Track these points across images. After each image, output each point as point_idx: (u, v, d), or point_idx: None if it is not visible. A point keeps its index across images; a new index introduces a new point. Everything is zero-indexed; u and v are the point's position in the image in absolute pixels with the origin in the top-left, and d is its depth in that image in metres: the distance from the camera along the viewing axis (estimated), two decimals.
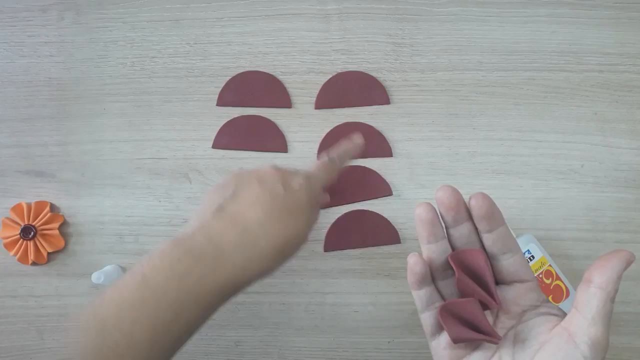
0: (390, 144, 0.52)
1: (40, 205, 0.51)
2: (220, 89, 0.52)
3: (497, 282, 0.29)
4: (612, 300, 0.26)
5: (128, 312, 0.30)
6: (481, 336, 0.27)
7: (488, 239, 0.28)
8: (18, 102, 0.54)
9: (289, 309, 0.50)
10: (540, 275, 0.47)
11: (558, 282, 0.47)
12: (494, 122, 0.52)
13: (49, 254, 0.51)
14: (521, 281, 0.28)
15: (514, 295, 0.28)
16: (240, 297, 0.50)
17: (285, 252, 0.35)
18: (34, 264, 0.51)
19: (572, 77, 0.52)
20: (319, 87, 0.52)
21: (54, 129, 0.53)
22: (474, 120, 0.52)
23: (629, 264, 0.27)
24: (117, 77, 0.53)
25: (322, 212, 0.51)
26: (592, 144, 0.51)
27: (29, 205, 0.51)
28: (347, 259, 0.50)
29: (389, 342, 0.50)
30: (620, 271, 0.27)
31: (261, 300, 0.50)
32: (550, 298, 0.46)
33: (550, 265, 0.47)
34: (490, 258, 0.28)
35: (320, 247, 0.51)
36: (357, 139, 0.43)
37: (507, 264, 0.28)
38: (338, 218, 0.51)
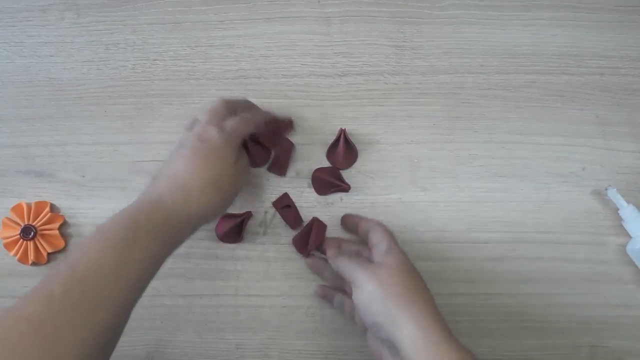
0: (390, 147, 0.52)
1: (40, 206, 0.51)
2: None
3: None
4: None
5: (93, 248, 0.36)
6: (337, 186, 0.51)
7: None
8: (18, 102, 0.53)
9: (290, 312, 0.50)
10: None
11: None
12: (495, 125, 0.52)
13: (49, 254, 0.51)
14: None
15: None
16: (240, 300, 0.50)
17: (217, 184, 0.42)
18: (34, 264, 0.50)
19: (573, 80, 0.52)
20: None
21: (54, 129, 0.53)
22: (475, 123, 0.52)
23: None
24: (118, 80, 0.53)
25: None
26: (593, 147, 0.51)
27: (29, 205, 0.51)
28: None
29: None
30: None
31: (261, 303, 0.50)
32: None
33: None
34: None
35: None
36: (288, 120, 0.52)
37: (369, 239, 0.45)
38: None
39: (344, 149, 0.50)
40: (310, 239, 0.49)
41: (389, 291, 0.39)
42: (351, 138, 0.50)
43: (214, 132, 0.42)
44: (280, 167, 0.52)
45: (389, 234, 0.45)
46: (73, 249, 0.35)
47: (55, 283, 0.33)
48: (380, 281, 0.40)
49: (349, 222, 0.50)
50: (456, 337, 0.38)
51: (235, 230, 0.50)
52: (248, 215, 0.50)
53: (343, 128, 0.49)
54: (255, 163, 0.51)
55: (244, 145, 0.50)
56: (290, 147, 0.52)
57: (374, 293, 0.39)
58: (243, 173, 0.46)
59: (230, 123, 0.44)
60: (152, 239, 0.37)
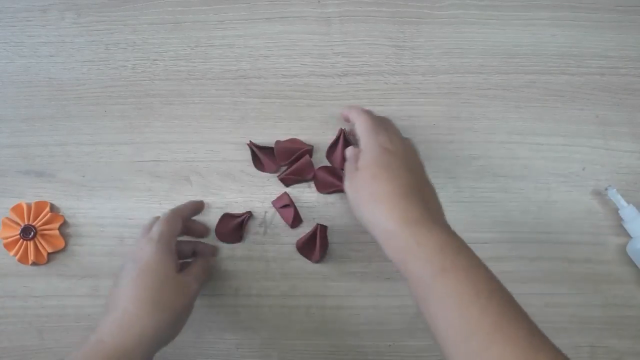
0: None
1: (40, 206, 0.51)
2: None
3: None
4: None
5: None
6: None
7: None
8: (18, 102, 0.54)
9: (290, 312, 0.50)
10: None
11: None
12: (495, 125, 0.52)
13: (49, 254, 0.51)
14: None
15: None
16: (240, 300, 0.50)
17: (155, 301, 0.40)
18: (34, 264, 0.51)
19: (573, 80, 0.52)
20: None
21: (54, 129, 0.53)
22: (474, 123, 0.52)
23: None
24: (118, 80, 0.53)
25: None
26: (593, 147, 0.51)
27: (29, 206, 0.51)
28: (348, 262, 0.50)
29: (389, 345, 0.50)
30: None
31: (262, 303, 0.50)
32: None
33: None
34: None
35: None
36: (201, 202, 0.51)
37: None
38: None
39: (343, 149, 0.50)
40: (317, 245, 0.49)
41: (360, 197, 0.40)
42: (351, 138, 0.50)
43: (141, 245, 0.42)
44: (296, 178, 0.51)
45: (366, 126, 0.43)
46: None
47: None
48: (354, 189, 0.40)
49: (344, 118, 0.48)
50: (437, 219, 0.38)
51: (235, 230, 0.50)
52: (248, 215, 0.50)
53: (343, 128, 0.49)
54: (264, 169, 0.51)
55: (252, 152, 0.50)
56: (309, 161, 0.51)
57: (352, 202, 0.41)
58: (191, 281, 0.43)
59: (155, 228, 0.43)
60: None
